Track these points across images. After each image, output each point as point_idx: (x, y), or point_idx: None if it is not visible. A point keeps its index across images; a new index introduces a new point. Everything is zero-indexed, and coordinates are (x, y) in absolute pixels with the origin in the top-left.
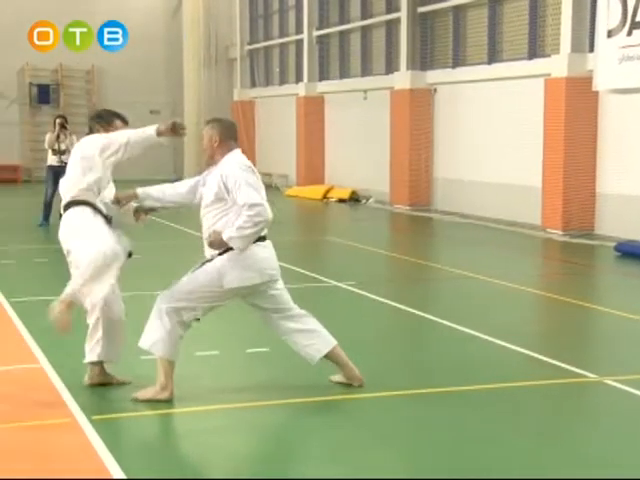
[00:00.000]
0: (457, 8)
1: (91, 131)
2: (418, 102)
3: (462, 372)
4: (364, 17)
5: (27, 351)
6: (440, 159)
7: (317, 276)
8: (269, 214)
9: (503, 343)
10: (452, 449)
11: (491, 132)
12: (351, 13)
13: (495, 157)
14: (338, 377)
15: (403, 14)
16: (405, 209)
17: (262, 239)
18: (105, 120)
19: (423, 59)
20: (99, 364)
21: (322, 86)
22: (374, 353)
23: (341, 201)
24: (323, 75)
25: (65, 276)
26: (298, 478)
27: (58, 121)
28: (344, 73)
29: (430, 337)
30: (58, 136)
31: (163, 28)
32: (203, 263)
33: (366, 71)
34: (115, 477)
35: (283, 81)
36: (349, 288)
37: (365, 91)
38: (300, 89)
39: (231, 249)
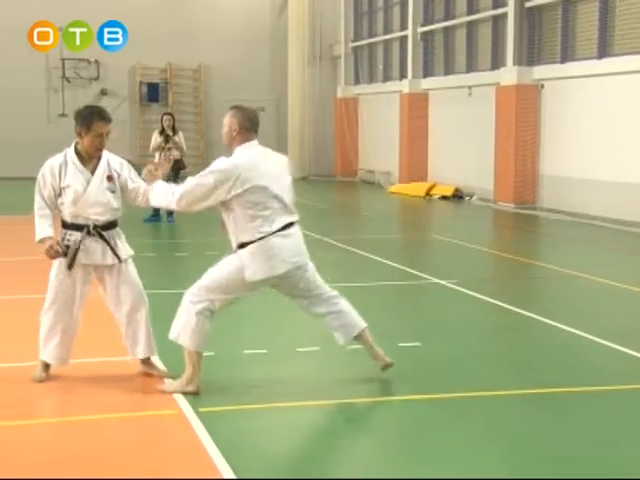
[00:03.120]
0: (567, 1)
1: (77, 135)
2: (524, 98)
3: (567, 373)
4: (470, 12)
5: None
6: (546, 156)
7: (419, 273)
8: (176, 208)
9: (611, 344)
10: (557, 451)
11: (600, 129)
12: (457, 9)
13: (604, 154)
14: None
15: (510, 9)
16: (510, 207)
17: (284, 228)
18: (85, 122)
19: (530, 54)
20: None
21: (426, 83)
22: (478, 352)
23: (444, 198)
24: (427, 72)
25: (172, 272)
26: (405, 478)
27: (165, 118)
28: (449, 69)
29: (535, 337)
30: (164, 133)
31: (269, 26)
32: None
33: (471, 67)
34: (224, 475)
35: (387, 78)
36: (451, 286)
37: (470, 87)
38: (404, 86)
39: (252, 243)
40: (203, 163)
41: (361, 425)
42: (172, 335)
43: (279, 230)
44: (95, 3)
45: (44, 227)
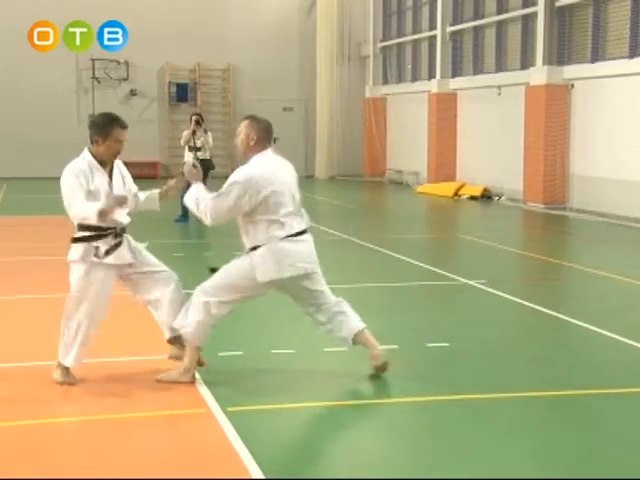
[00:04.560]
0: (598, 0)
1: (91, 140)
2: (554, 98)
3: (596, 374)
4: (499, 12)
5: (163, 342)
6: (576, 156)
7: (447, 274)
8: (207, 222)
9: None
10: (585, 453)
11: (631, 128)
12: (486, 8)
13: (635, 154)
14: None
15: (540, 8)
16: (539, 207)
17: (299, 234)
18: (104, 130)
19: (560, 54)
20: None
21: (455, 82)
22: (505, 353)
23: (473, 198)
24: (456, 71)
25: (200, 272)
26: (429, 478)
27: (194, 118)
28: (477, 69)
29: (563, 337)
30: (194, 132)
31: (297, 26)
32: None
33: (500, 67)
34: (253, 475)
35: (415, 78)
36: (480, 286)
37: (499, 87)
38: (432, 86)
39: (264, 245)
40: (231, 164)
41: (388, 425)
42: (177, 324)
43: (292, 235)
44: (114, 3)
45: (94, 205)
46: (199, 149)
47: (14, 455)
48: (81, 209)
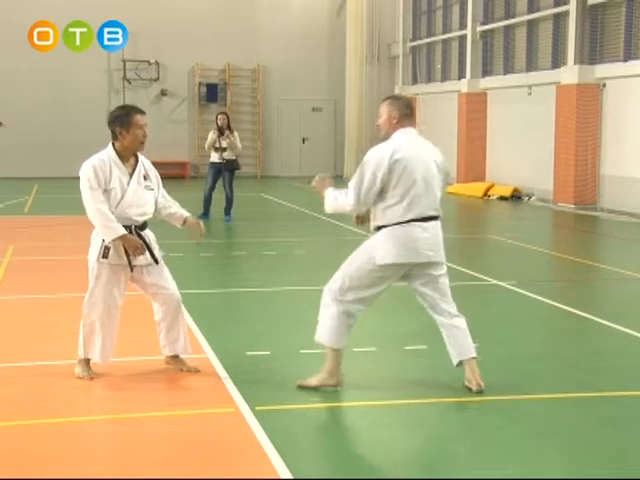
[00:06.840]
0: None
1: (114, 136)
2: (585, 97)
3: (628, 376)
4: (531, 11)
5: (193, 341)
6: (608, 156)
7: (477, 274)
8: (351, 209)
9: None
10: (617, 454)
11: None
12: (517, 7)
13: None
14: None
15: (572, 7)
16: (569, 207)
17: (424, 219)
18: (125, 120)
19: (592, 53)
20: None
21: (485, 82)
22: (536, 354)
23: (502, 199)
24: (486, 71)
25: (229, 271)
26: (462, 478)
27: (220, 117)
28: (508, 68)
29: (594, 339)
30: (221, 133)
31: (327, 26)
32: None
33: (531, 66)
34: (281, 475)
35: (445, 77)
36: (510, 287)
37: (530, 87)
38: (462, 85)
39: (389, 226)
40: (260, 164)
41: (417, 426)
42: (316, 336)
43: (419, 220)
44: (122, 3)
45: (118, 225)
46: (225, 150)
47: (42, 453)
48: (100, 219)
